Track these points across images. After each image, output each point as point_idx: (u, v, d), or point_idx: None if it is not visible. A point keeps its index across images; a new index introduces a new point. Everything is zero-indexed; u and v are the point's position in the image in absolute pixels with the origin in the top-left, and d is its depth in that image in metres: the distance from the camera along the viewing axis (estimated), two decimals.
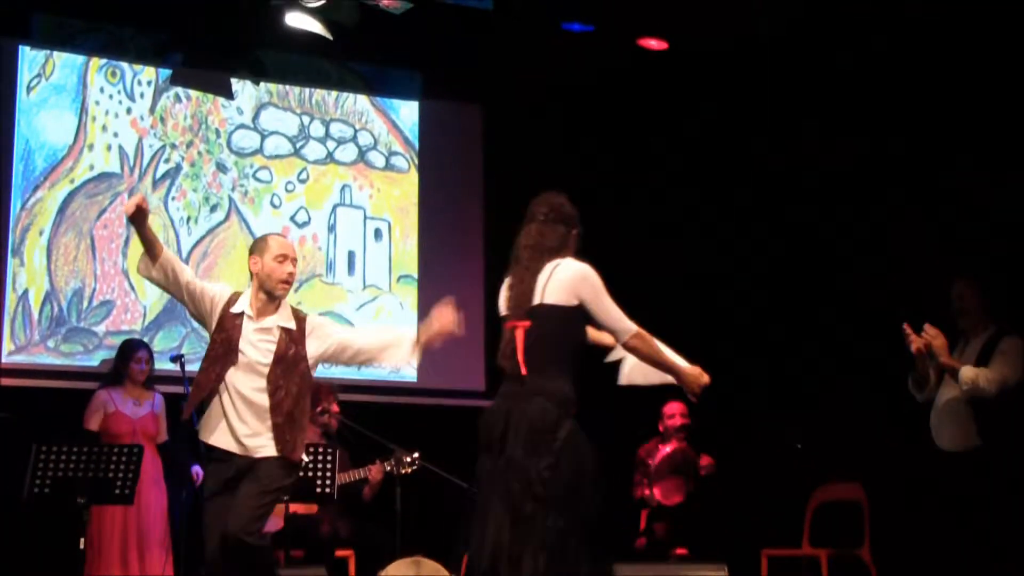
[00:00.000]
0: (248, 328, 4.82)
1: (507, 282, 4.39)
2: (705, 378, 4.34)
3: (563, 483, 4.07)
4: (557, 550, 4.02)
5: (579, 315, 4.26)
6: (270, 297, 4.86)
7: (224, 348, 4.81)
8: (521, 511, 4.04)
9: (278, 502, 5.08)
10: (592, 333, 4.45)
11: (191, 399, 4.93)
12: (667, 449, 7.34)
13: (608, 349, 4.55)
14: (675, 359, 4.37)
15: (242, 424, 4.77)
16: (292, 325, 4.89)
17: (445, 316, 4.93)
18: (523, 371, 4.19)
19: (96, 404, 6.73)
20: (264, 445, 4.78)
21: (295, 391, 4.83)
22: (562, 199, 4.46)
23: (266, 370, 4.79)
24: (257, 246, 4.96)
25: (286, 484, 4.89)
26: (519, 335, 4.22)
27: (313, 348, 4.91)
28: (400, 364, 5.05)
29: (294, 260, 4.94)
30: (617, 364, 4.60)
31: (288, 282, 4.89)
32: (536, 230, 4.38)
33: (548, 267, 4.28)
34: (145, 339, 7.34)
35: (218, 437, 4.79)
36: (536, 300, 4.24)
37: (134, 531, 6.59)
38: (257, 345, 4.82)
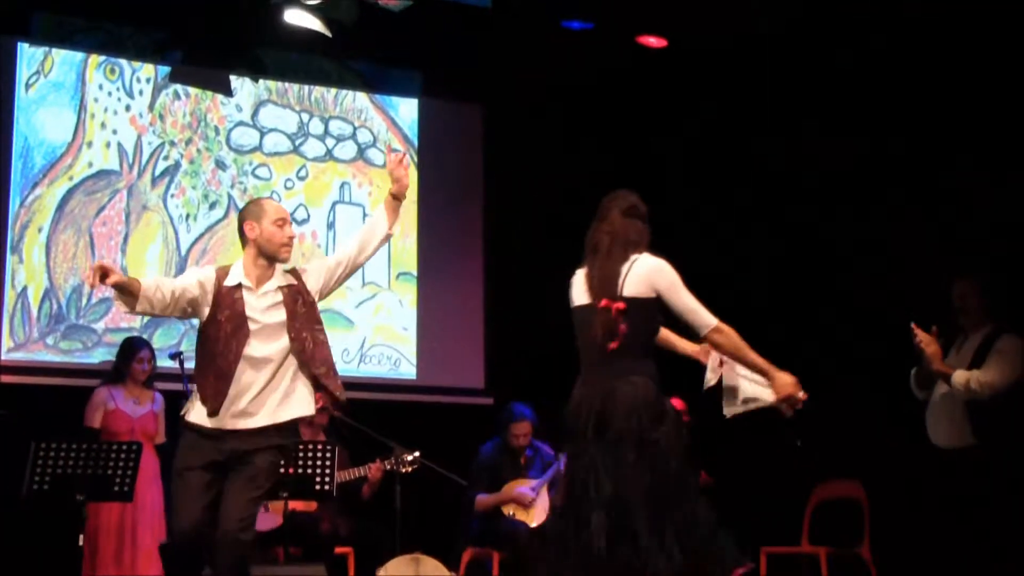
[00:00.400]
0: (250, 298, 4.60)
1: (585, 271, 4.45)
2: (802, 392, 4.26)
3: (679, 453, 4.14)
4: (691, 517, 4.10)
5: (656, 307, 4.36)
6: (270, 263, 4.66)
7: (234, 323, 4.56)
8: (657, 479, 4.08)
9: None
10: (681, 344, 4.53)
11: (216, 391, 4.54)
12: None
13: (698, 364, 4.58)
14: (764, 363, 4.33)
15: (272, 393, 4.56)
16: (292, 280, 4.70)
17: (390, 164, 5.02)
18: (614, 346, 4.26)
19: (97, 401, 6.73)
20: (292, 407, 4.61)
21: (322, 338, 4.66)
22: (637, 197, 4.57)
23: (285, 329, 4.58)
24: (251, 211, 4.71)
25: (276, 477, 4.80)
26: (615, 311, 4.28)
27: (314, 284, 4.73)
28: (388, 228, 4.88)
29: (290, 223, 4.78)
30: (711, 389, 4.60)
31: (290, 245, 4.68)
32: (619, 223, 4.46)
33: (628, 260, 4.37)
34: (144, 336, 7.33)
35: (234, 420, 4.53)
36: (618, 291, 4.33)
37: (130, 530, 6.59)
38: (266, 311, 4.60)
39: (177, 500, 4.53)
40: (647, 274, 4.34)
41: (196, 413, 4.58)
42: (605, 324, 4.28)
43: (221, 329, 4.58)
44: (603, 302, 4.31)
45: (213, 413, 4.52)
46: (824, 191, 7.91)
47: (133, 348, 6.86)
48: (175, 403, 6.35)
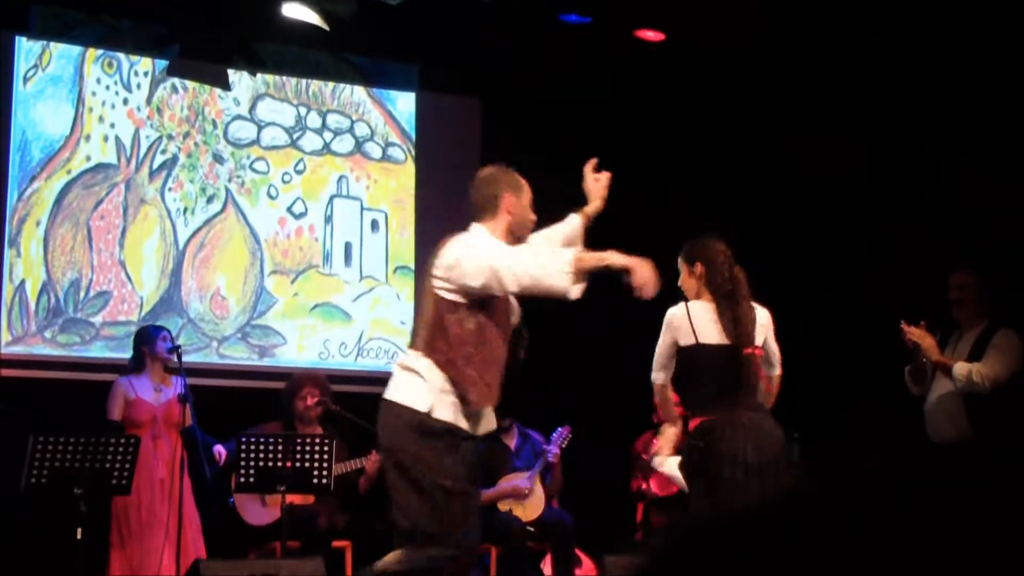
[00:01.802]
0: None
1: (728, 314, 4.83)
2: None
3: None
4: None
5: None
6: (516, 243, 4.25)
7: (506, 304, 4.13)
8: None
9: None
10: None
11: (490, 382, 4.11)
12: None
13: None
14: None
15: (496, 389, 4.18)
16: None
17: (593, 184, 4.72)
18: (753, 393, 4.88)
19: (117, 393, 6.71)
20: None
21: None
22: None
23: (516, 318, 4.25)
24: (507, 182, 4.31)
25: None
26: (758, 358, 4.90)
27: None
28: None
29: None
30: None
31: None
32: (738, 270, 4.95)
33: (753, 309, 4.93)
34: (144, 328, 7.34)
35: (487, 423, 4.21)
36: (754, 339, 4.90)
37: (172, 522, 6.51)
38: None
39: (464, 517, 4.16)
40: (766, 324, 4.95)
41: (451, 411, 4.14)
42: (751, 369, 4.84)
43: (499, 309, 4.14)
44: (747, 349, 4.81)
45: (476, 410, 4.13)
46: (824, 189, 7.93)
47: (150, 332, 6.86)
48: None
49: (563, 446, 7.25)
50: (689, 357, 4.84)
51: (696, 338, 4.79)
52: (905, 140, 7.41)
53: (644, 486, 7.39)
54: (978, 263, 6.00)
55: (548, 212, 8.30)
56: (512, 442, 7.28)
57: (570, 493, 7.53)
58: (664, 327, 4.91)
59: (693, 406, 4.95)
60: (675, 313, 4.87)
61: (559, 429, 7.31)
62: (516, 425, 7.33)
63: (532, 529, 7.01)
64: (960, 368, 5.57)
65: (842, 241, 7.86)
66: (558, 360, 7.78)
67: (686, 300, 4.94)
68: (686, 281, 4.98)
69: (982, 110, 7.01)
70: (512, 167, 4.54)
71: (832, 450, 7.41)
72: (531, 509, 7.07)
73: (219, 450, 6.65)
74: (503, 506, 7.06)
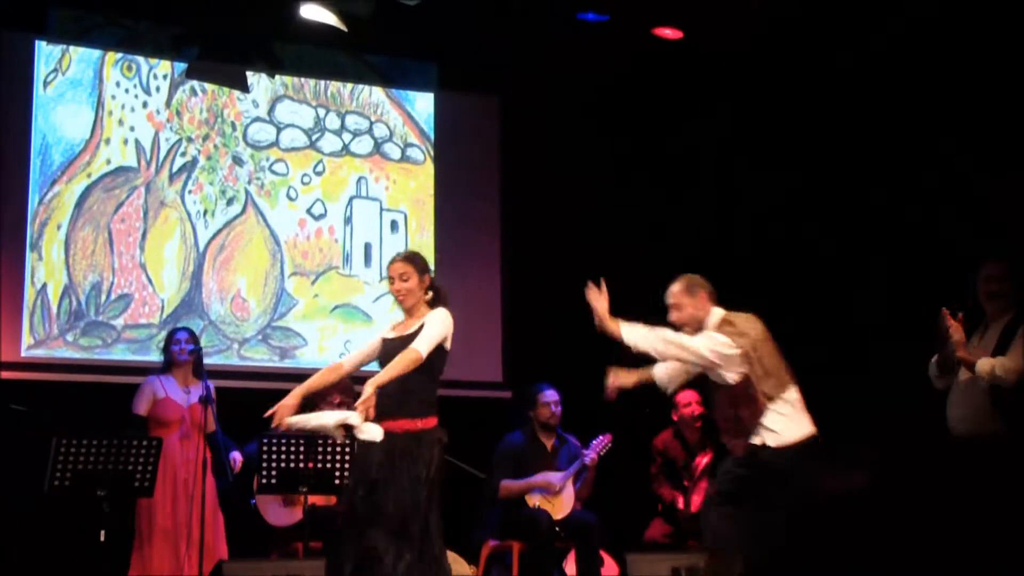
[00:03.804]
0: None
1: None
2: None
3: None
4: None
5: None
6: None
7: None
8: None
9: None
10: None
11: None
12: (704, 463, 7.33)
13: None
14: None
15: None
16: None
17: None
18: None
19: (147, 390, 6.73)
20: None
21: None
22: None
23: None
24: None
25: None
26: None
27: None
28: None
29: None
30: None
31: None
32: None
33: None
34: (164, 332, 7.36)
35: None
36: None
37: (184, 524, 6.51)
38: None
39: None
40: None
41: None
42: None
43: None
44: None
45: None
46: (825, 188, 7.92)
47: (170, 335, 6.90)
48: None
49: (602, 453, 7.22)
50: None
51: None
52: (904, 139, 7.39)
53: (681, 506, 7.34)
54: (1009, 254, 5.93)
55: (566, 206, 8.33)
56: (549, 443, 7.27)
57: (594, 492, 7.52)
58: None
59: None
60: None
61: (600, 436, 7.27)
62: (556, 429, 7.32)
63: (558, 529, 7.00)
64: (983, 364, 5.51)
65: (861, 238, 7.83)
66: (585, 365, 7.77)
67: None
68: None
69: (982, 108, 6.98)
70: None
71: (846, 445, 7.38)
72: (559, 508, 7.06)
73: (235, 456, 6.64)
74: (531, 501, 7.05)
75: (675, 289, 5.39)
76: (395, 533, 4.86)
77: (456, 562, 6.45)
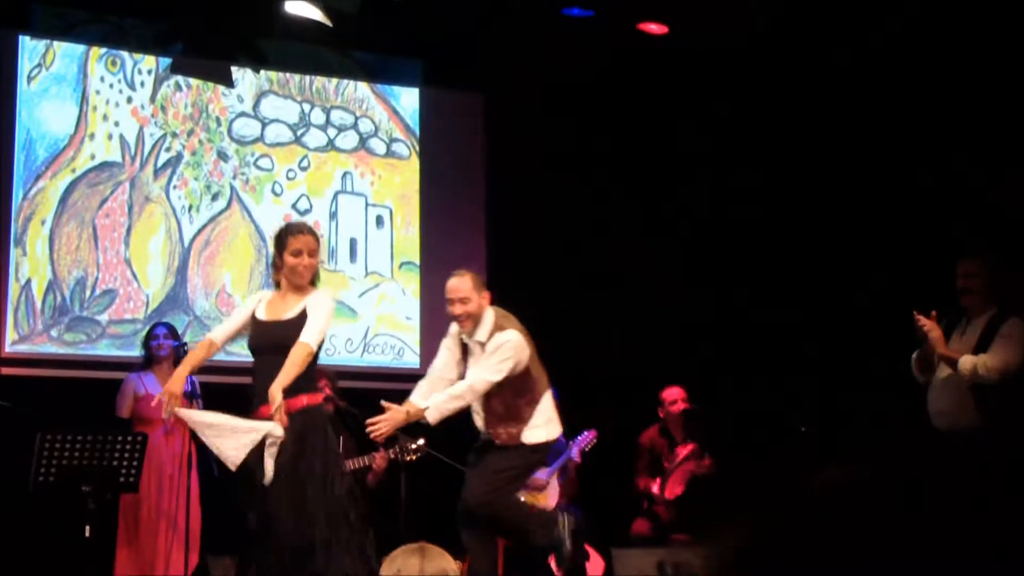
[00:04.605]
0: None
1: None
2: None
3: None
4: None
5: None
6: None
7: None
8: None
9: None
10: None
11: None
12: (684, 452, 7.35)
13: None
14: None
15: None
16: None
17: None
18: None
19: (126, 391, 6.73)
20: None
21: None
22: None
23: None
24: None
25: None
26: None
27: None
28: None
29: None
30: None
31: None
32: None
33: None
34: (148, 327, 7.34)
35: None
36: None
37: (168, 517, 6.52)
38: None
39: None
40: None
41: None
42: None
43: None
44: None
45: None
46: (824, 185, 7.93)
47: (149, 331, 6.90)
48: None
49: (586, 449, 7.23)
50: None
51: None
52: (904, 139, 7.41)
53: (655, 492, 7.36)
54: (987, 250, 5.96)
55: (551, 201, 8.33)
56: None
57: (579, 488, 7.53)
58: None
59: None
60: None
61: (584, 432, 7.28)
62: None
63: None
64: (965, 362, 5.54)
65: (848, 233, 7.85)
66: (569, 362, 7.78)
67: None
68: None
69: (981, 107, 7.01)
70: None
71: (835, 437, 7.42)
72: (545, 503, 7.07)
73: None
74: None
75: (466, 285, 5.48)
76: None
77: (442, 557, 6.46)
